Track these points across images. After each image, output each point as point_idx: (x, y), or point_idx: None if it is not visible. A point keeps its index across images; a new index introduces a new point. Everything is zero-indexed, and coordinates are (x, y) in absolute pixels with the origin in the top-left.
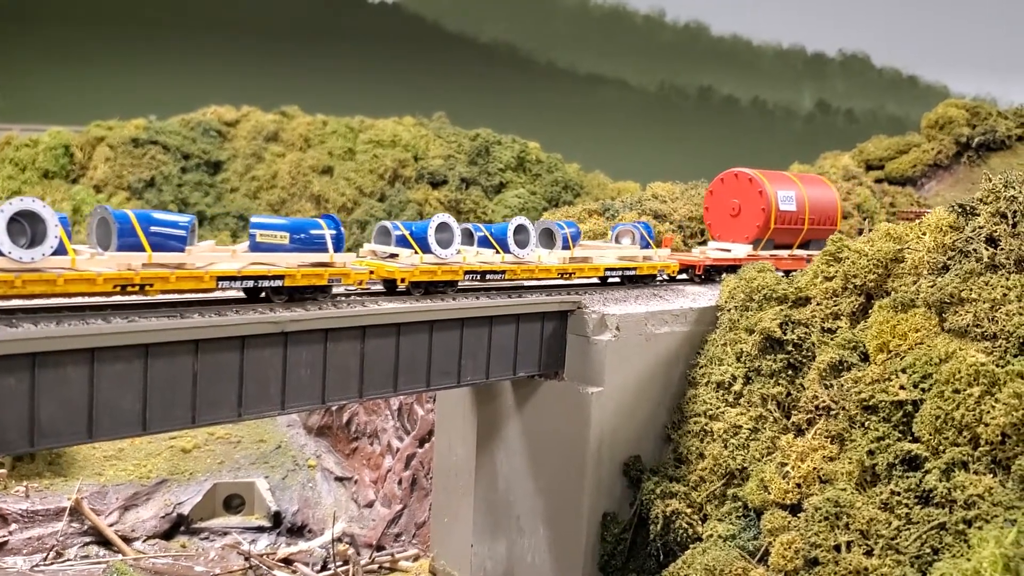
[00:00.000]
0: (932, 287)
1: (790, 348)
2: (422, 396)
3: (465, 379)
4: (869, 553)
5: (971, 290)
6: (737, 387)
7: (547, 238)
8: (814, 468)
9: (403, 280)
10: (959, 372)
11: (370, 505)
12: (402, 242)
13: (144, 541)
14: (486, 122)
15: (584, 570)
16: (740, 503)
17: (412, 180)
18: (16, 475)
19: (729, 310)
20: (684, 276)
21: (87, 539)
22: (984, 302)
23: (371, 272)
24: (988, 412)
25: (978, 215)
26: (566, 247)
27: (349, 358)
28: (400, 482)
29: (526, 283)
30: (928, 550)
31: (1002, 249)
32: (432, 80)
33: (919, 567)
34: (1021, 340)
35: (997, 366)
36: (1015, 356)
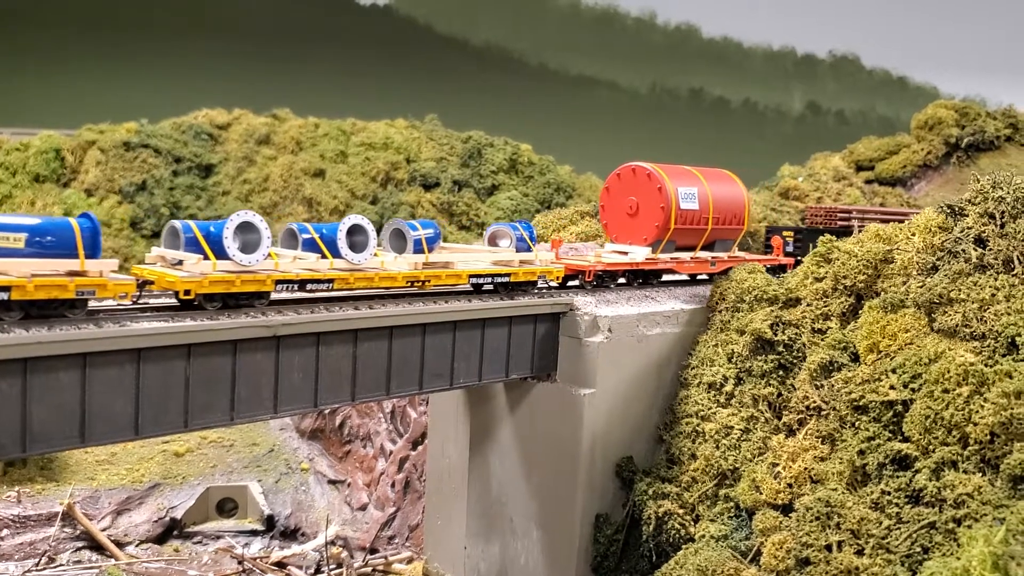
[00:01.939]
0: (921, 287)
1: (781, 349)
2: (415, 399)
3: (458, 381)
4: (860, 552)
5: (960, 290)
6: (728, 388)
7: (399, 240)
8: (805, 468)
9: (187, 292)
10: (948, 372)
11: (363, 508)
12: (194, 245)
13: (137, 545)
14: (478, 124)
15: (577, 571)
16: (732, 503)
17: (404, 182)
18: (8, 480)
19: (720, 311)
20: (575, 283)
21: (80, 544)
22: (973, 302)
23: (144, 283)
24: (977, 411)
25: (967, 216)
26: (419, 250)
27: (341, 361)
28: (393, 485)
29: (365, 293)
30: (918, 549)
31: (990, 249)
32: (424, 82)
33: (909, 566)
34: (1009, 340)
35: (986, 366)
36: (1003, 356)
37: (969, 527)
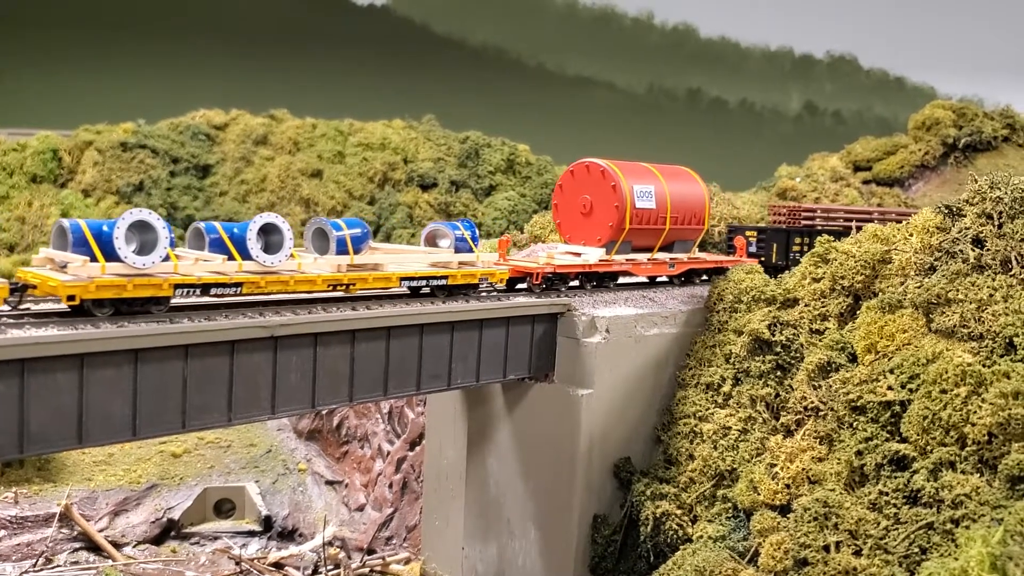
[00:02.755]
0: (919, 288)
1: (778, 349)
2: (413, 399)
3: (455, 382)
4: (858, 553)
5: (958, 291)
6: (726, 388)
7: (321, 240)
8: (803, 469)
9: (71, 298)
10: (946, 372)
11: (361, 509)
12: (82, 246)
13: (134, 546)
14: (476, 124)
15: (575, 572)
16: (730, 504)
17: (402, 183)
18: (5, 481)
19: (718, 312)
20: (523, 286)
21: (77, 545)
22: (970, 303)
23: (22, 287)
24: (975, 412)
25: (964, 216)
26: (343, 251)
27: (339, 362)
28: (391, 485)
29: (283, 297)
30: (916, 550)
31: (988, 250)
32: (421, 83)
33: (907, 567)
34: (1007, 340)
35: (983, 366)
36: (1001, 356)
37: (967, 528)
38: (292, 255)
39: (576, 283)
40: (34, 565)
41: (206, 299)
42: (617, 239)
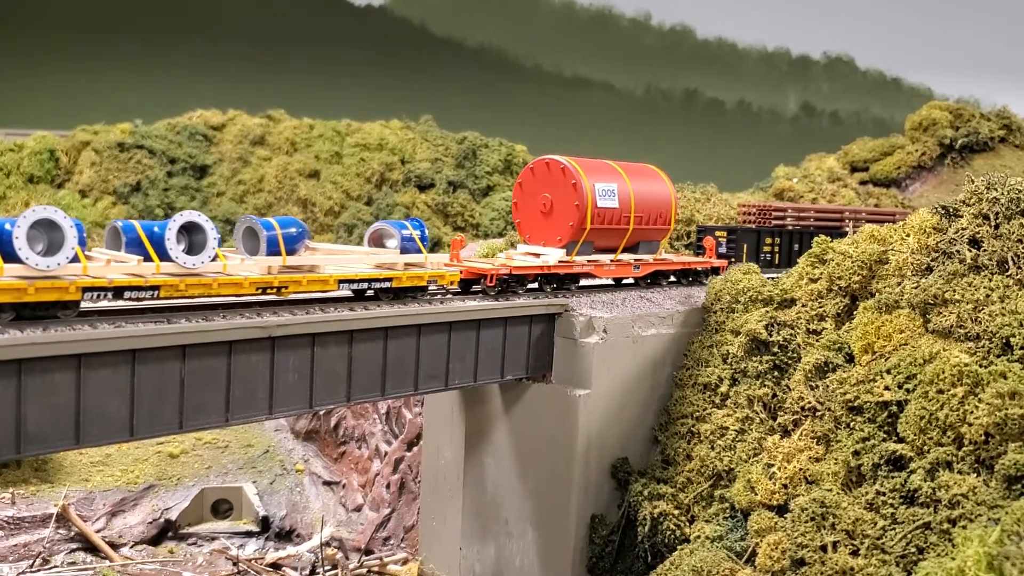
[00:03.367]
0: (916, 288)
1: (776, 349)
2: (410, 400)
3: (453, 382)
4: (855, 553)
5: (954, 291)
6: (723, 388)
7: (251, 240)
8: (800, 469)
9: None
10: (943, 372)
11: (358, 509)
12: None
13: (131, 547)
14: (473, 125)
15: (572, 572)
16: (727, 504)
17: (399, 183)
18: (2, 481)
19: (715, 312)
20: (477, 288)
21: (74, 546)
22: (967, 303)
23: None
24: (972, 412)
25: (961, 217)
26: (274, 252)
27: (337, 362)
28: (388, 486)
29: (206, 302)
30: (913, 550)
31: (985, 250)
32: (419, 83)
33: (904, 566)
34: (1004, 340)
35: (980, 366)
36: (998, 356)
37: (964, 527)
38: (218, 256)
39: (535, 285)
40: (31, 566)
41: (120, 303)
42: (578, 239)
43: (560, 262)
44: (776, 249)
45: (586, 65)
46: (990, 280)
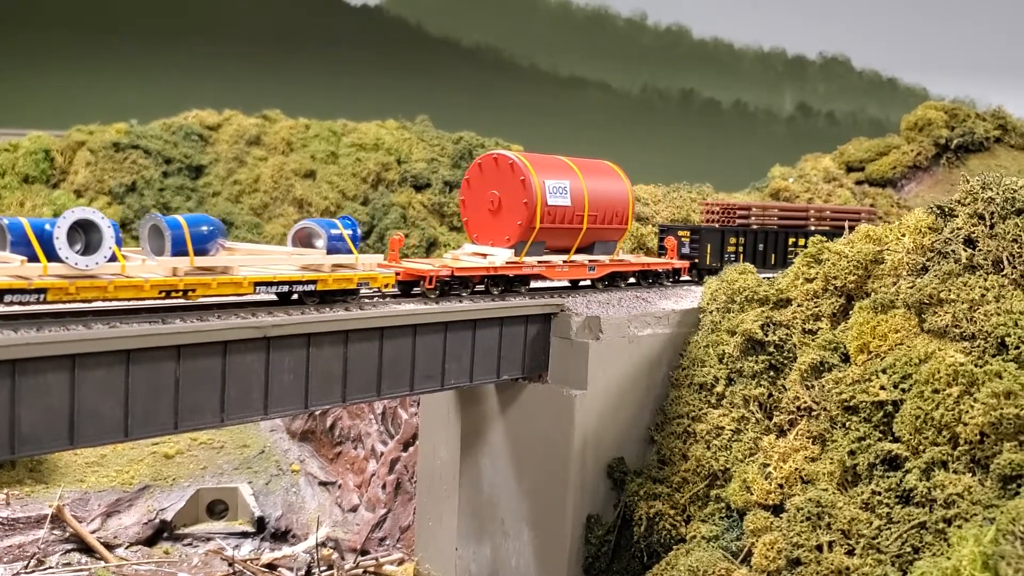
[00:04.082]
0: (911, 288)
1: (771, 349)
2: (406, 400)
3: (449, 382)
4: (851, 553)
5: (950, 291)
6: (719, 388)
7: (157, 239)
8: (796, 469)
9: None
10: (938, 372)
11: (354, 509)
12: None
13: (127, 548)
14: (469, 125)
15: (568, 572)
16: (723, 504)
17: (395, 183)
18: None
19: (711, 312)
20: (417, 290)
21: (69, 546)
22: (962, 303)
23: None
24: (967, 412)
25: (956, 216)
26: (181, 252)
27: (332, 362)
28: (384, 486)
29: (104, 307)
30: (909, 549)
31: (980, 250)
32: (415, 83)
33: (900, 566)
34: (999, 340)
35: (976, 366)
36: (993, 356)
37: (959, 527)
38: (118, 257)
39: (481, 287)
40: (26, 567)
41: (2, 308)
42: (527, 239)
43: (508, 263)
44: (740, 249)
45: (582, 65)
46: (985, 280)
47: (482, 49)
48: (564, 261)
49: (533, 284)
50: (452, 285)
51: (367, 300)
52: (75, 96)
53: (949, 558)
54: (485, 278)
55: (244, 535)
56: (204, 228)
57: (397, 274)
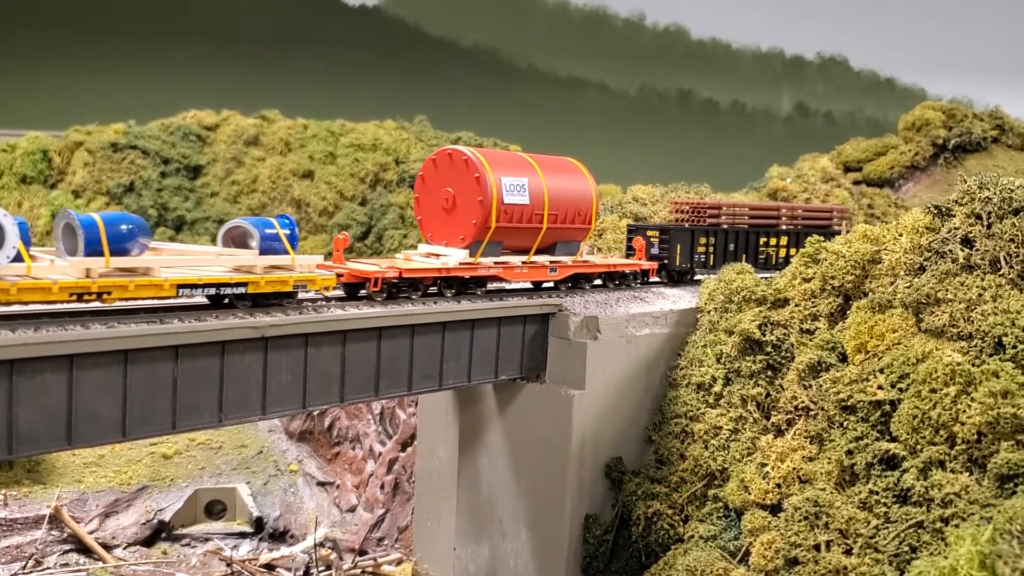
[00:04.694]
0: (909, 288)
1: (769, 349)
2: (404, 400)
3: (447, 382)
4: (848, 552)
5: (947, 290)
6: (717, 388)
7: (70, 238)
8: (793, 468)
9: None
10: (936, 372)
11: (352, 510)
12: None
13: (125, 548)
14: (467, 125)
15: (567, 572)
16: (721, 504)
17: (393, 183)
18: None
19: (709, 312)
20: (364, 293)
21: (67, 547)
22: (960, 302)
23: None
24: (964, 411)
25: (954, 216)
26: (96, 252)
27: (330, 363)
28: (382, 486)
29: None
30: (906, 548)
31: (977, 250)
32: (413, 83)
33: (897, 565)
34: (996, 340)
35: (973, 365)
36: (990, 355)
37: (956, 526)
38: (23, 257)
39: (435, 289)
40: (24, 567)
41: None
42: (483, 239)
43: (462, 264)
44: (711, 249)
45: (581, 65)
46: (982, 279)
47: (480, 49)
48: (523, 262)
49: (490, 286)
50: (400, 287)
51: (308, 304)
52: (73, 96)
53: (946, 557)
54: (438, 280)
55: (242, 535)
56: (123, 227)
57: (340, 276)
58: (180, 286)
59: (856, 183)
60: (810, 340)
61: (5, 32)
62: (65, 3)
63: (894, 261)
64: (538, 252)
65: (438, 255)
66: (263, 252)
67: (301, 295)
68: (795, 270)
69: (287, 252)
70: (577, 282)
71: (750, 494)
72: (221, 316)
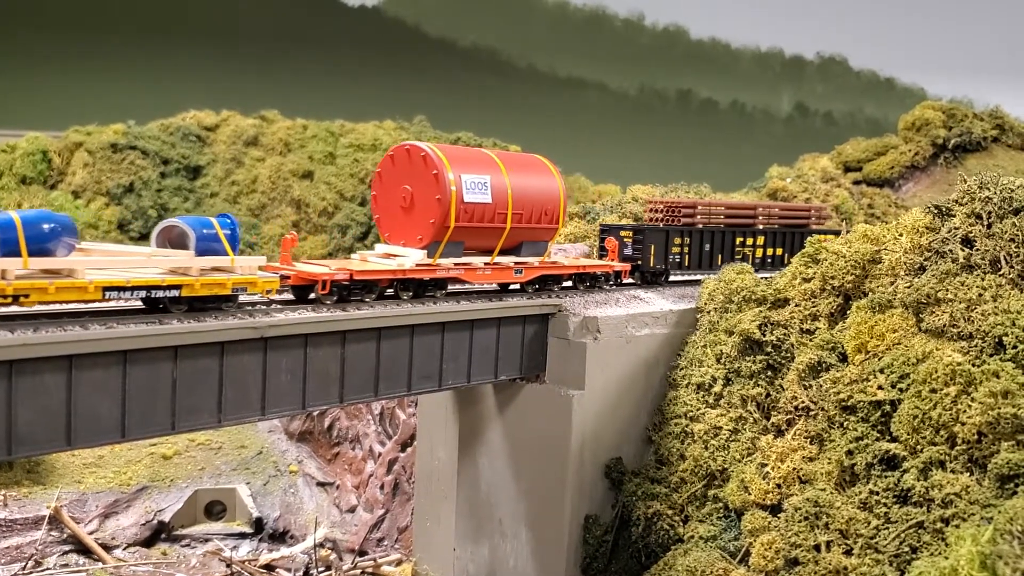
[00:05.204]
0: (909, 288)
1: (769, 349)
2: (404, 400)
3: (446, 383)
4: (848, 552)
5: (947, 290)
6: (717, 388)
7: None
8: (794, 468)
9: None
10: (936, 372)
11: (352, 510)
12: None
13: (124, 549)
14: (467, 126)
15: (566, 572)
16: (721, 504)
17: None
18: None
19: (708, 312)
20: (314, 296)
21: (67, 548)
22: (960, 302)
23: None
24: (964, 411)
25: (954, 216)
26: (12, 252)
27: (330, 363)
28: (382, 487)
29: None
30: (907, 549)
31: (977, 250)
32: (413, 84)
33: (898, 566)
34: (996, 339)
35: (973, 365)
36: (991, 356)
37: (957, 527)
38: None
39: (391, 291)
40: (23, 568)
41: None
42: (441, 239)
43: (419, 265)
44: (686, 250)
45: (580, 65)
46: (983, 279)
47: (480, 50)
48: (486, 263)
49: (451, 288)
50: (352, 290)
51: (252, 307)
52: (73, 97)
53: (947, 558)
54: (394, 282)
55: (242, 536)
56: (44, 226)
57: (287, 278)
58: (107, 289)
59: (856, 183)
60: (810, 340)
61: (5, 32)
62: (65, 3)
63: (894, 261)
64: (503, 253)
65: (394, 256)
66: (201, 253)
67: (243, 299)
68: (795, 270)
69: (227, 253)
70: (545, 284)
71: (750, 494)
72: (220, 317)
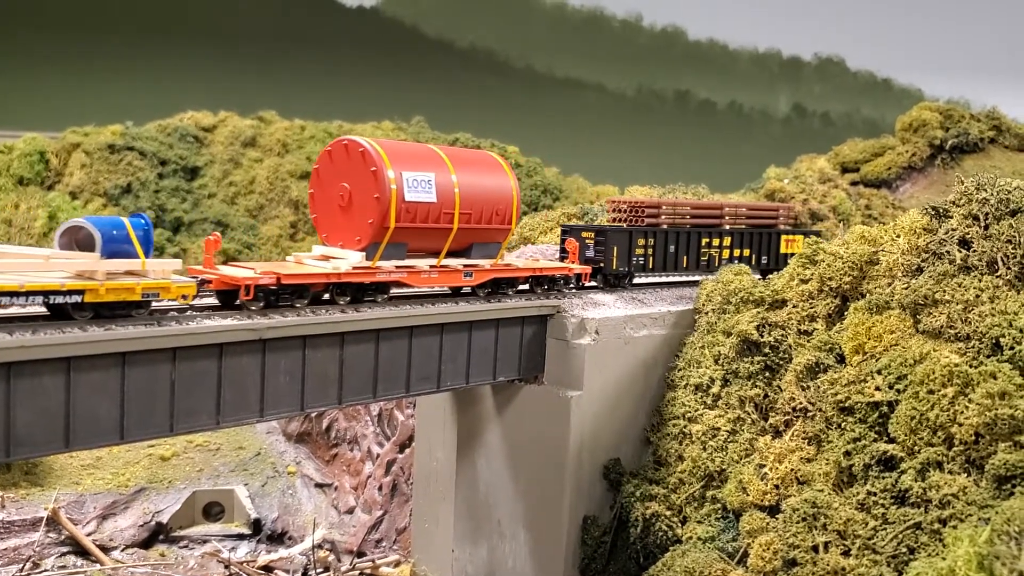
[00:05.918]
0: (906, 289)
1: (767, 350)
2: (402, 401)
3: (445, 384)
4: (846, 553)
5: (944, 292)
6: (715, 389)
7: None
8: (791, 469)
9: None
10: (933, 373)
11: (350, 511)
12: None
13: (123, 550)
14: (465, 126)
15: (564, 573)
16: (719, 505)
17: None
18: None
19: (706, 313)
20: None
21: (64, 549)
22: (957, 303)
23: None
24: (962, 412)
25: (951, 217)
26: None
27: (328, 364)
28: (380, 488)
29: None
30: (904, 549)
31: (974, 251)
32: (411, 84)
33: (895, 566)
34: (993, 341)
35: (970, 367)
36: (988, 357)
37: (954, 527)
38: None
39: (327, 296)
40: (21, 570)
41: None
42: (381, 240)
43: (357, 268)
44: (650, 251)
45: (578, 66)
46: (980, 281)
47: (478, 50)
48: (432, 266)
49: (393, 292)
50: (281, 295)
51: (166, 313)
52: (70, 97)
53: (944, 558)
54: (330, 286)
55: (240, 537)
56: None
57: (208, 282)
58: None
59: (853, 184)
60: (808, 341)
61: (4, 32)
62: (64, 3)
63: (891, 262)
64: (451, 255)
65: (331, 258)
66: (110, 256)
67: (157, 304)
68: (793, 271)
69: (137, 256)
70: (498, 287)
71: (748, 495)
72: (219, 318)
